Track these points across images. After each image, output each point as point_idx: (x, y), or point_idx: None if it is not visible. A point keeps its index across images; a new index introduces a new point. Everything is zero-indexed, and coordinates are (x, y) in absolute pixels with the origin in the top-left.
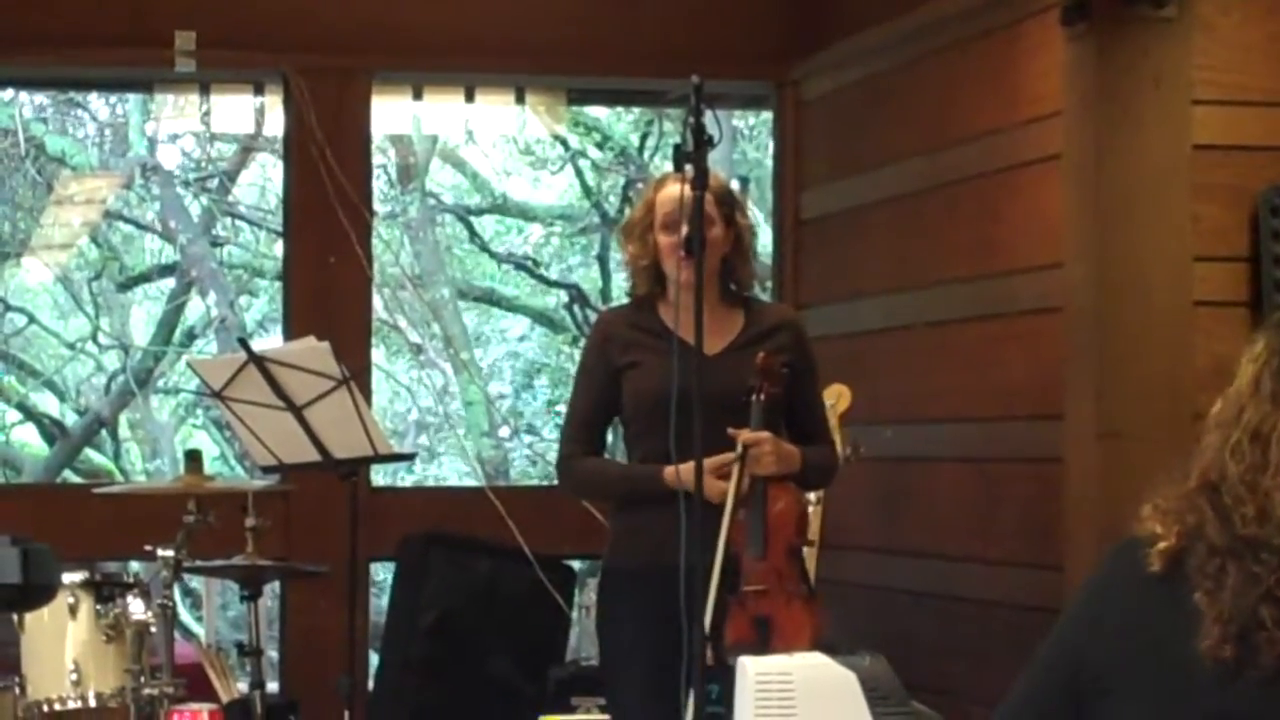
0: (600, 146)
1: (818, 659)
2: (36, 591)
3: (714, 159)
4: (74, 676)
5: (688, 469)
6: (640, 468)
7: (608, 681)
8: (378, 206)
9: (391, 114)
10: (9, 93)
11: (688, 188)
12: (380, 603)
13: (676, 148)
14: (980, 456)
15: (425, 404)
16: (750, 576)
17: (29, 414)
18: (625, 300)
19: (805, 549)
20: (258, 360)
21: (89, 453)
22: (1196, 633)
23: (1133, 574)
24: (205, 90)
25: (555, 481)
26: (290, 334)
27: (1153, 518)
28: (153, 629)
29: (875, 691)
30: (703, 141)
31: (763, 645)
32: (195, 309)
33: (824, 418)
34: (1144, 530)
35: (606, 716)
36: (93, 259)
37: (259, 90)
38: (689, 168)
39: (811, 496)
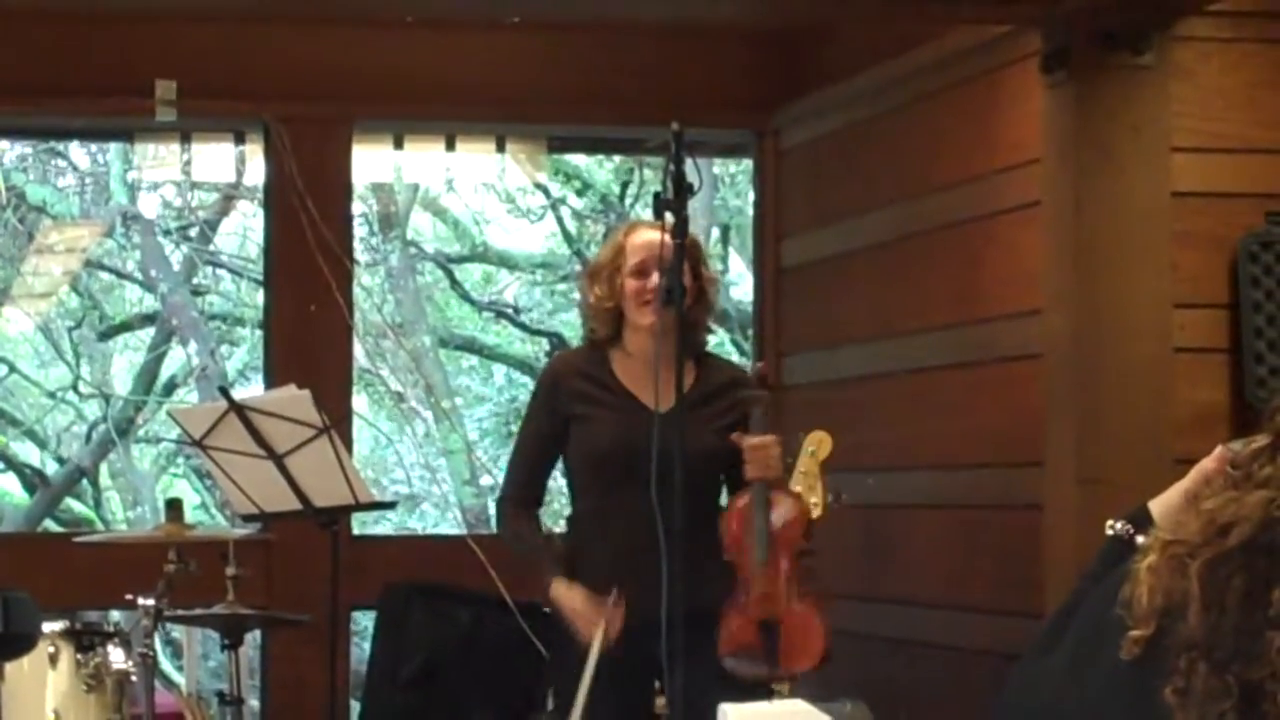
0: (581, 194)
1: (799, 706)
2: (17, 641)
3: (695, 207)
4: None
5: (571, 596)
6: (545, 562)
7: None
8: (359, 255)
9: (372, 162)
10: None
11: (667, 236)
12: (361, 652)
13: (657, 195)
14: (960, 504)
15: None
16: (755, 581)
17: (9, 463)
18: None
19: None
20: (238, 409)
21: (70, 502)
22: None
23: (1111, 649)
24: (186, 139)
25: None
26: (271, 383)
27: (1143, 579)
28: (133, 678)
29: None
30: (683, 189)
31: (771, 650)
32: (176, 358)
33: None
34: (1135, 585)
35: None
36: (73, 308)
37: (240, 139)
38: (668, 215)
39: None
